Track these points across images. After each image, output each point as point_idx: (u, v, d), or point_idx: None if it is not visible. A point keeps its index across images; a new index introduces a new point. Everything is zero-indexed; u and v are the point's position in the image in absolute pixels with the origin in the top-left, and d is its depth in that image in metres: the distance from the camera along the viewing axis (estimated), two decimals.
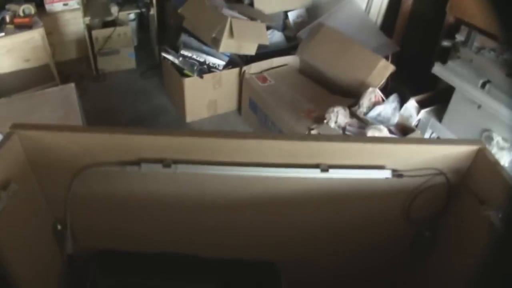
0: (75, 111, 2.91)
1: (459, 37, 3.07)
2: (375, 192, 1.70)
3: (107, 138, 1.60)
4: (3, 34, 3.78)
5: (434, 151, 1.63)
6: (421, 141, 1.82)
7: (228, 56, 3.84)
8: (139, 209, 1.79)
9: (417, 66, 3.54)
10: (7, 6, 3.99)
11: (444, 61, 3.09)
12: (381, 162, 1.64)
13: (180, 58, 3.78)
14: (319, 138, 1.69)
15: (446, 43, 3.15)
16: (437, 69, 3.09)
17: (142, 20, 5.04)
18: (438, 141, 1.74)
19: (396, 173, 1.64)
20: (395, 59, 3.48)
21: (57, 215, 1.73)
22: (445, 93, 3.15)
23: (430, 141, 1.92)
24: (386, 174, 1.64)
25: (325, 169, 1.61)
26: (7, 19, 3.87)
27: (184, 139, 1.62)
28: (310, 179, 1.66)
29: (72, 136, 1.59)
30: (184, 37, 3.87)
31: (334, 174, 1.62)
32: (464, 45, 3.03)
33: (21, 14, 3.96)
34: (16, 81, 4.23)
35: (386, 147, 1.63)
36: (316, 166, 1.63)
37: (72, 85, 3.14)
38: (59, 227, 1.76)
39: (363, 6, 3.95)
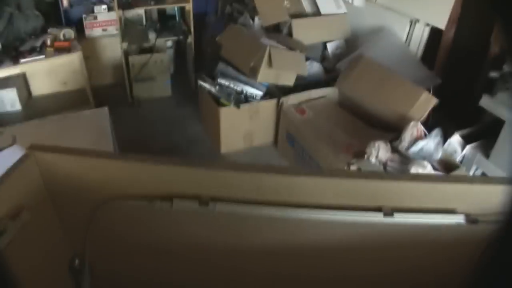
0: (107, 136, 2.74)
1: (507, 68, 2.81)
2: (444, 239, 1.38)
3: (135, 168, 1.34)
4: (43, 56, 3.80)
5: None
6: (500, 180, 1.50)
7: (266, 87, 3.64)
8: (168, 251, 1.50)
9: (460, 99, 3.28)
10: (49, 30, 4.06)
11: (491, 93, 2.83)
12: (452, 205, 1.34)
13: (217, 87, 3.60)
14: (382, 176, 1.39)
15: (493, 74, 2.87)
16: (485, 102, 2.82)
17: (179, 48, 4.94)
18: None
19: (470, 218, 1.33)
20: (437, 92, 3.23)
21: (75, 249, 1.47)
22: (492, 127, 2.87)
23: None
24: (458, 219, 1.33)
25: (388, 212, 1.31)
26: (48, 42, 3.91)
27: (225, 173, 1.34)
28: (371, 224, 1.36)
29: (97, 162, 1.34)
30: (221, 66, 3.69)
31: (398, 218, 1.32)
32: None
33: (62, 38, 4.02)
34: (53, 103, 4.18)
35: (459, 188, 1.33)
36: (378, 209, 1.33)
37: (106, 109, 2.98)
38: (77, 262, 1.49)
39: (403, 37, 3.72)
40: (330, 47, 4.10)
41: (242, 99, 3.58)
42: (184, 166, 1.33)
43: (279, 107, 3.65)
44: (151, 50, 4.32)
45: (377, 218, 1.32)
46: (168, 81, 4.51)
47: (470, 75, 3.29)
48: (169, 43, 4.71)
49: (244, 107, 3.56)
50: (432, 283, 1.48)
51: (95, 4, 4.36)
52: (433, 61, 3.55)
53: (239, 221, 1.41)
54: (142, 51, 4.37)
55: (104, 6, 4.32)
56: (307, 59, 3.80)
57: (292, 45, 3.73)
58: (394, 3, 3.72)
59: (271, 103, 3.66)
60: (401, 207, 1.32)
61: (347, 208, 1.34)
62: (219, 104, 3.57)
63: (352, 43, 4.10)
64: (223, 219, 1.40)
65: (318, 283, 1.55)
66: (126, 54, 4.25)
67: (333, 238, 1.43)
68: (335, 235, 1.42)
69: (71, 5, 4.38)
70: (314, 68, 3.93)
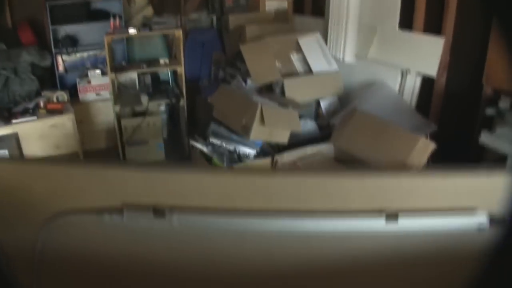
0: None
1: (503, 104, 2.77)
2: (463, 248, 1.11)
3: (84, 175, 1.14)
4: (35, 117, 3.86)
5: None
6: None
7: (259, 145, 3.49)
8: (123, 271, 1.22)
9: (459, 142, 3.21)
10: (43, 93, 4.13)
11: (490, 130, 2.77)
12: (472, 203, 1.08)
13: (209, 147, 3.47)
14: (381, 173, 1.13)
15: (490, 111, 2.84)
16: (485, 139, 2.73)
17: (172, 113, 4.87)
18: None
19: (495, 219, 1.07)
20: (435, 138, 3.13)
21: (20, 275, 1.21)
22: (495, 165, 2.76)
23: None
24: (479, 220, 1.08)
25: (391, 216, 1.07)
26: (41, 104, 3.97)
27: (185, 176, 1.12)
28: (370, 233, 1.11)
29: (40, 170, 1.14)
30: (213, 126, 3.58)
31: (405, 223, 1.07)
32: (511, 110, 2.71)
33: (55, 100, 4.07)
34: None
35: (479, 182, 1.08)
36: (378, 212, 1.08)
37: None
38: None
39: (396, 88, 3.64)
40: (323, 104, 3.99)
41: (235, 159, 3.42)
42: (137, 170, 1.12)
43: (273, 165, 3.44)
44: (144, 113, 4.26)
45: (378, 224, 1.08)
46: (161, 145, 4.40)
47: (466, 117, 3.23)
48: (162, 108, 4.65)
49: (238, 166, 3.37)
50: None
51: (89, 69, 4.41)
52: (428, 109, 3.50)
53: (204, 235, 1.16)
54: (135, 114, 4.32)
55: (98, 71, 4.36)
56: (300, 117, 3.67)
57: (284, 103, 3.63)
58: (384, 56, 3.70)
59: (265, 161, 3.46)
60: (407, 208, 1.08)
61: (338, 213, 1.09)
62: (212, 164, 3.42)
63: (345, 99, 4.01)
64: (183, 233, 1.15)
65: None
66: (119, 117, 4.18)
67: (321, 253, 1.16)
68: (325, 249, 1.16)
69: (66, 70, 4.45)
70: (308, 125, 3.81)
